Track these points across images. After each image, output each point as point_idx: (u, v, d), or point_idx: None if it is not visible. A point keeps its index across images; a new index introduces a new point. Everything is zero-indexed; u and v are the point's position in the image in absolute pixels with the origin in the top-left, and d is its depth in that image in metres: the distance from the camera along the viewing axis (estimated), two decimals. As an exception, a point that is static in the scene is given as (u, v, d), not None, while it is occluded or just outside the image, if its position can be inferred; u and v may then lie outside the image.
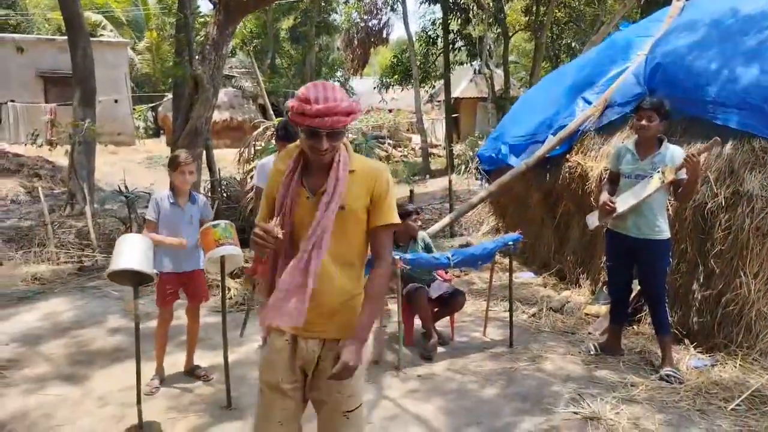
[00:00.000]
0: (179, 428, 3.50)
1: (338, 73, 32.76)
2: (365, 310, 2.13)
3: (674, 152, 4.07)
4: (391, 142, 23.64)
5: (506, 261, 5.43)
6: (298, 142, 2.15)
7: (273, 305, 2.10)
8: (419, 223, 4.89)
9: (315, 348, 2.19)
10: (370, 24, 27.70)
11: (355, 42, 28.12)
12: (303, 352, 2.19)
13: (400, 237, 4.84)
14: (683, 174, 3.93)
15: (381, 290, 2.19)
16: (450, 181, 10.24)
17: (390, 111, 25.45)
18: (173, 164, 3.98)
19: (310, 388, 2.24)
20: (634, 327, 4.97)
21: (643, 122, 4.05)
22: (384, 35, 28.38)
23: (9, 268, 7.14)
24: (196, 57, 7.73)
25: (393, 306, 5.49)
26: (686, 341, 4.56)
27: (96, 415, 3.66)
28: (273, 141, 8.82)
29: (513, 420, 3.56)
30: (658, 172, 3.98)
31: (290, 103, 2.03)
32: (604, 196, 4.27)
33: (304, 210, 2.12)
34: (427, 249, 4.93)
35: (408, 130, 25.82)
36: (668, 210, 4.38)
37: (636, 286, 4.63)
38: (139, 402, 3.44)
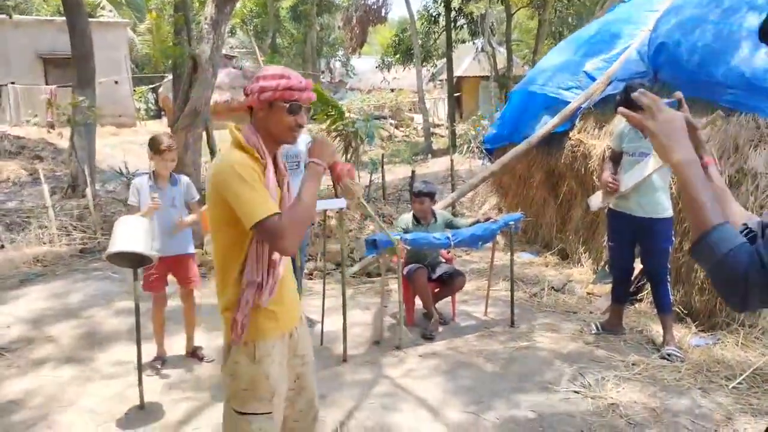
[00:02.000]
0: (181, 409, 3.51)
1: (339, 53, 32.51)
2: None
3: None
4: (392, 122, 23.51)
5: (507, 241, 5.43)
6: (241, 138, 2.03)
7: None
8: (423, 206, 4.84)
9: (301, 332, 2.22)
10: (369, 2, 27.41)
11: (354, 20, 27.88)
12: (296, 341, 2.18)
13: (421, 215, 4.82)
14: None
15: None
16: (452, 161, 10.19)
17: (392, 91, 25.28)
18: (154, 148, 3.88)
19: None
20: (636, 306, 4.96)
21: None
22: (382, 13, 28.11)
23: (11, 250, 7.15)
24: (195, 36, 7.64)
25: (394, 286, 5.50)
26: (688, 320, 4.55)
27: (98, 396, 3.67)
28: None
29: (514, 398, 3.56)
30: None
31: (264, 83, 1.98)
32: (606, 175, 4.23)
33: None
34: (451, 226, 4.88)
35: (410, 109, 25.66)
36: (671, 188, 4.34)
37: (638, 265, 4.62)
38: (140, 383, 3.46)
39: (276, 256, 2.03)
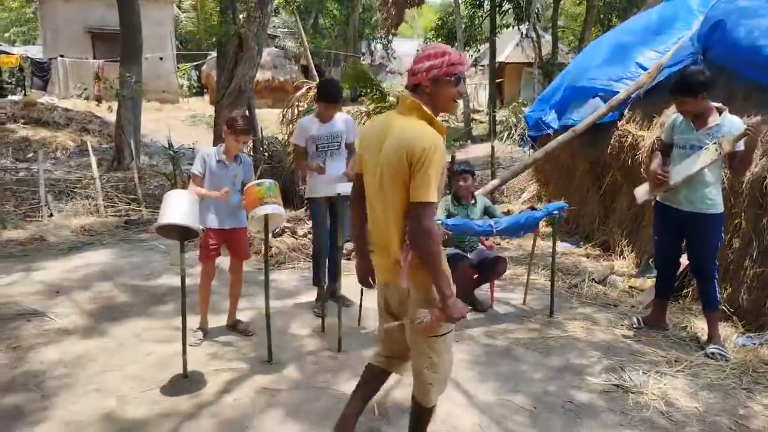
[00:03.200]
0: (221, 379, 3.59)
1: (380, 35, 32.29)
2: None
3: (733, 123, 3.88)
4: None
5: (549, 230, 5.36)
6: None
7: None
8: (466, 183, 4.84)
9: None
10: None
11: (390, 1, 27.60)
12: (390, 293, 2.58)
13: (461, 196, 4.82)
14: (741, 146, 3.75)
15: None
16: (492, 148, 10.07)
17: (432, 75, 25.03)
18: (232, 127, 3.98)
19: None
20: (680, 302, 4.85)
21: (679, 108, 3.90)
22: None
23: (59, 219, 7.38)
24: (241, 15, 7.70)
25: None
26: (734, 319, 4.43)
27: (142, 363, 3.78)
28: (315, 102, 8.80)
29: (551, 389, 3.54)
30: (715, 143, 3.80)
31: (430, 62, 2.27)
32: (655, 166, 4.11)
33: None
34: (487, 213, 4.86)
35: (450, 94, 25.38)
36: (723, 183, 4.21)
37: (684, 261, 4.51)
38: (184, 352, 3.55)
39: None
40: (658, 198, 4.22)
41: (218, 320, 4.37)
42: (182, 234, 3.47)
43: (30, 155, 11.38)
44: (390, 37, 30.90)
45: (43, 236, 6.63)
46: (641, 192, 4.34)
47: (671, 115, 5.05)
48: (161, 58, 22.04)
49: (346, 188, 4.19)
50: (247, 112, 8.44)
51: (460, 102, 21.45)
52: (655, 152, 4.42)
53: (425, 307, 2.39)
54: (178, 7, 27.55)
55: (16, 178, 9.29)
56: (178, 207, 3.39)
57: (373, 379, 2.81)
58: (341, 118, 4.73)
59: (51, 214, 7.52)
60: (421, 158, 2.20)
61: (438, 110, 2.34)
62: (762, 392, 3.49)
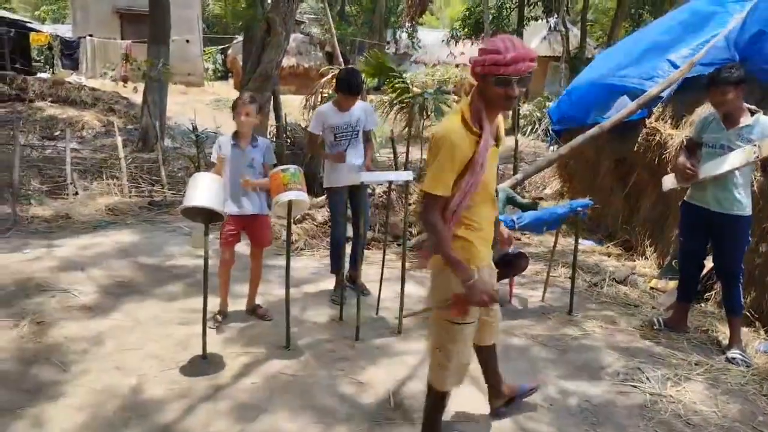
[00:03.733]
0: (239, 362, 3.63)
1: (406, 23, 32.05)
2: None
3: (766, 125, 3.79)
4: (455, 98, 23.20)
5: (571, 226, 5.31)
6: (460, 106, 2.39)
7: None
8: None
9: None
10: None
11: None
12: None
13: None
14: None
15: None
16: (516, 142, 9.98)
17: (457, 66, 24.87)
18: (233, 106, 4.05)
19: None
20: (702, 305, 4.78)
21: (717, 99, 3.80)
22: None
23: (85, 197, 7.49)
24: (269, 0, 7.70)
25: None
26: (757, 324, 4.36)
27: (162, 342, 3.84)
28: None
29: (567, 386, 3.52)
30: (754, 145, 3.71)
31: (477, 58, 2.26)
32: (683, 160, 4.04)
33: (492, 158, 2.47)
34: (511, 202, 4.83)
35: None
36: (753, 186, 4.12)
37: (709, 263, 4.44)
38: (204, 334, 3.59)
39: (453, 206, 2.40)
40: (685, 198, 4.15)
41: (238, 304, 4.41)
42: (207, 217, 3.50)
43: (57, 133, 11.54)
44: (415, 26, 30.66)
45: (68, 214, 6.73)
46: (669, 181, 4.27)
47: (702, 113, 4.98)
48: (188, 41, 22.15)
49: (369, 177, 4.18)
50: (272, 98, 8.47)
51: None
52: (682, 149, 4.34)
53: (443, 291, 2.51)
54: (206, -10, 27.65)
55: (43, 156, 9.43)
56: (205, 190, 3.41)
57: (480, 355, 2.98)
58: (360, 106, 4.67)
59: (76, 193, 7.63)
60: (432, 148, 2.36)
61: (490, 106, 2.34)
62: (783, 400, 3.44)
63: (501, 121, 2.51)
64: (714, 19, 6.02)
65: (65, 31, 23.92)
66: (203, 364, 3.55)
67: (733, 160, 3.77)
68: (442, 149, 2.31)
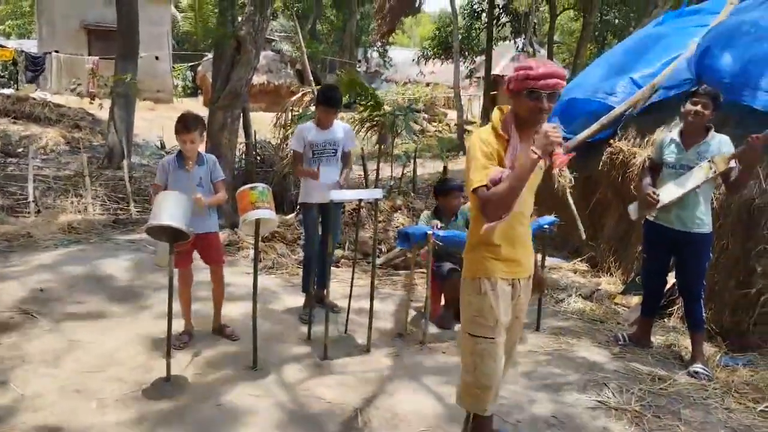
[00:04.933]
0: (203, 384, 3.56)
1: (377, 43, 32.38)
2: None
3: (722, 141, 3.93)
4: (425, 116, 23.41)
5: (538, 243, 5.36)
6: (489, 127, 2.58)
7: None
8: (457, 201, 4.84)
9: (519, 285, 2.72)
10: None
11: (387, 7, 27.61)
12: (518, 291, 2.71)
13: (444, 212, 4.83)
14: (734, 164, 3.79)
15: None
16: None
17: (427, 85, 25.17)
18: (176, 129, 3.90)
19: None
20: (665, 320, 4.88)
21: (698, 108, 3.89)
22: (416, 4, 27.68)
23: (47, 216, 7.32)
24: (240, 18, 7.69)
25: (419, 280, 5.50)
26: (718, 339, 4.46)
27: (126, 365, 3.75)
28: (311, 107, 8.79)
29: (534, 401, 3.54)
30: (708, 161, 3.83)
31: (510, 75, 2.49)
32: (646, 185, 4.14)
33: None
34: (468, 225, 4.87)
35: (444, 105, 25.52)
36: (713, 203, 4.24)
37: (670, 279, 4.53)
38: (168, 355, 3.51)
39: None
40: (648, 216, 4.24)
41: (204, 324, 4.35)
42: (172, 236, 3.45)
43: (19, 150, 11.28)
44: (386, 45, 30.99)
45: (30, 233, 6.56)
46: (633, 209, 4.37)
47: (662, 134, 5.12)
48: (157, 58, 21.99)
49: (339, 196, 4.19)
50: (241, 116, 8.42)
51: (452, 113, 21.51)
52: (644, 170, 4.46)
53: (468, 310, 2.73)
54: (176, 7, 27.51)
55: (4, 173, 9.20)
56: (170, 209, 3.37)
57: None
58: (340, 126, 4.74)
59: (39, 211, 7.45)
60: (467, 156, 2.61)
61: (523, 120, 2.50)
62: (743, 412, 3.51)
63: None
64: (674, 41, 6.23)
65: (31, 46, 23.53)
66: (166, 386, 3.47)
67: (693, 179, 3.88)
68: (472, 149, 2.52)
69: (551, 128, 2.31)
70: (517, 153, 2.47)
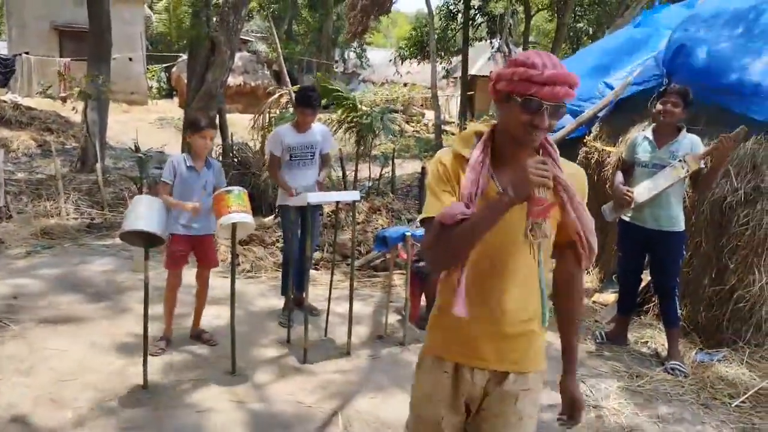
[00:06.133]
0: (181, 391, 3.52)
1: (354, 43, 32.32)
2: (573, 331, 1.89)
3: (693, 141, 4.00)
4: (403, 116, 23.45)
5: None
6: (477, 125, 1.82)
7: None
8: None
9: (481, 381, 1.81)
10: (376, -10, 27.05)
11: (359, 7, 27.54)
12: (468, 386, 1.82)
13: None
14: (703, 163, 3.87)
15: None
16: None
17: (404, 85, 25.20)
18: (195, 127, 3.92)
19: (472, 429, 1.88)
20: (642, 318, 4.94)
21: (668, 107, 3.95)
22: (387, 4, 27.62)
23: (19, 221, 7.16)
24: (214, 19, 7.63)
25: (398, 281, 5.50)
26: (694, 335, 4.54)
27: (101, 372, 3.68)
28: (288, 108, 8.75)
29: (515, 403, 3.56)
30: (681, 161, 3.90)
31: (498, 69, 1.72)
32: (619, 186, 4.18)
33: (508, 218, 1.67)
34: None
35: (421, 105, 25.57)
36: (685, 202, 4.31)
37: (646, 277, 4.60)
38: (145, 362, 3.46)
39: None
40: (622, 215, 4.29)
41: (182, 329, 4.29)
42: (147, 241, 3.40)
43: (-10, 154, 11.03)
44: (363, 45, 30.93)
45: (1, 239, 6.42)
46: (608, 211, 4.41)
47: (633, 133, 5.19)
48: (131, 59, 21.66)
49: (316, 198, 4.17)
50: (217, 117, 8.34)
51: (430, 113, 21.55)
52: (616, 171, 4.51)
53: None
54: (150, 8, 27.17)
55: (-26, 178, 8.98)
56: (144, 213, 3.33)
57: None
58: (318, 129, 4.74)
59: (10, 216, 7.29)
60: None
61: (509, 135, 1.72)
62: (719, 408, 3.58)
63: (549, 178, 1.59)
64: (648, 44, 6.31)
65: (0, 48, 23.02)
66: (143, 394, 3.42)
67: (665, 178, 3.94)
68: (429, 173, 1.82)
69: (537, 162, 1.57)
70: (484, 185, 1.70)
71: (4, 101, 15.17)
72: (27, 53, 19.90)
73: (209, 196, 3.94)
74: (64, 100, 18.09)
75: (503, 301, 1.76)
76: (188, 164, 3.96)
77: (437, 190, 1.74)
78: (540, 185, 1.54)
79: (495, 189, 1.71)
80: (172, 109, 21.61)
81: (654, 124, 4.18)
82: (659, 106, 4.02)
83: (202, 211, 3.91)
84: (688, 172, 3.88)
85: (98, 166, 8.59)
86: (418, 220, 1.83)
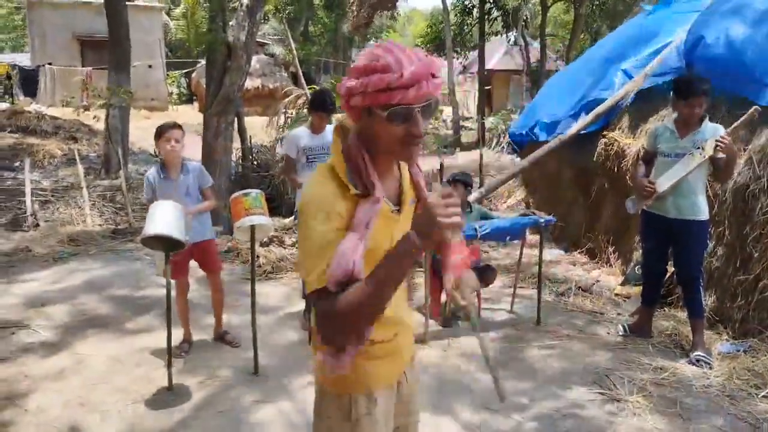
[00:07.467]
0: (205, 392, 3.57)
1: (371, 42, 32.33)
2: None
3: (716, 129, 3.94)
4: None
5: (536, 237, 5.38)
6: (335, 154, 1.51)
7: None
8: (458, 191, 4.83)
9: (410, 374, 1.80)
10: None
11: (365, 3, 27.48)
12: (403, 390, 1.77)
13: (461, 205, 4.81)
14: (721, 153, 3.82)
15: None
16: (480, 155, 10.12)
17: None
18: (156, 134, 3.85)
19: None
20: (665, 309, 4.88)
21: (696, 110, 3.89)
22: (392, 1, 27.45)
23: (46, 229, 7.32)
24: (230, 23, 7.70)
25: (419, 279, 5.50)
26: (719, 326, 4.46)
27: (129, 375, 3.76)
28: (304, 109, 8.80)
29: (536, 397, 3.55)
30: (698, 147, 3.86)
31: (345, 82, 1.44)
32: (641, 177, 4.13)
33: (388, 228, 1.50)
34: (484, 218, 4.84)
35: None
36: (708, 191, 4.25)
37: (670, 268, 4.53)
38: (169, 365, 3.53)
39: None
40: (645, 206, 4.24)
41: (205, 332, 4.35)
42: (167, 245, 3.45)
43: (17, 164, 11.28)
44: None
45: (29, 247, 6.57)
46: (631, 204, 4.37)
47: (654, 124, 5.13)
48: (150, 66, 21.97)
49: None
50: (235, 121, 8.43)
51: (448, 109, 21.48)
52: (638, 162, 4.46)
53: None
54: (168, 14, 27.50)
55: (2, 188, 9.21)
56: (164, 218, 3.38)
57: None
58: (331, 129, 4.76)
59: (37, 224, 7.46)
60: (299, 224, 1.51)
61: (380, 153, 1.47)
62: (745, 399, 3.52)
63: (418, 175, 1.58)
64: (662, 31, 6.23)
65: (24, 59, 23.52)
66: (169, 395, 3.49)
67: (684, 165, 3.90)
68: (303, 213, 1.46)
69: (441, 199, 1.29)
70: (373, 216, 1.43)
71: (29, 112, 15.50)
72: (50, 64, 20.31)
73: (197, 201, 3.94)
74: (86, 108, 18.41)
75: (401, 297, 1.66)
76: (162, 176, 3.89)
77: (321, 243, 1.41)
78: (451, 228, 1.27)
79: (387, 207, 1.50)
80: (193, 115, 21.85)
81: (676, 114, 4.11)
82: (685, 110, 3.93)
83: (193, 217, 3.83)
84: (704, 157, 3.83)
85: (121, 172, 8.75)
86: (308, 291, 1.47)
